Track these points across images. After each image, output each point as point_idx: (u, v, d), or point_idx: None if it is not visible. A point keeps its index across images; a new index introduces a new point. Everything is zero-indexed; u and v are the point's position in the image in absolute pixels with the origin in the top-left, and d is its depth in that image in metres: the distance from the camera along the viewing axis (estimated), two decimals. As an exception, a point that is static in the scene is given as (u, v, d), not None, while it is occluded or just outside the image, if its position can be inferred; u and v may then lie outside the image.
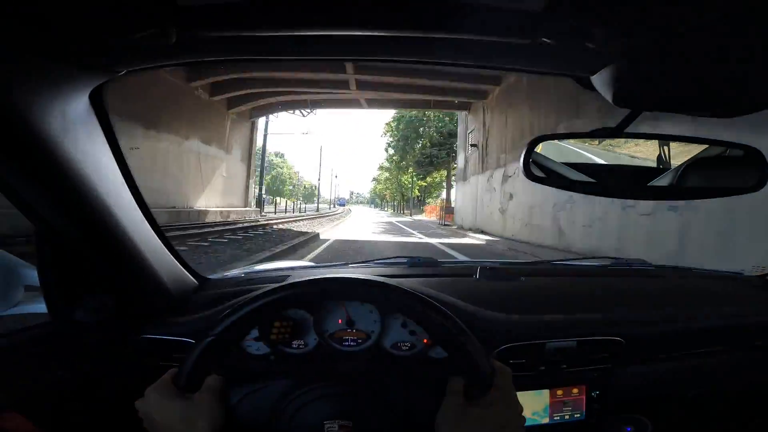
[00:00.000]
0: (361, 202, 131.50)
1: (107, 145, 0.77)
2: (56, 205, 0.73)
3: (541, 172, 0.84)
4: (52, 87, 0.61)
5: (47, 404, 0.79)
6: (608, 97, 0.71)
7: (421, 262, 1.49)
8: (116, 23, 0.49)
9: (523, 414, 0.69)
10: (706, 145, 0.88)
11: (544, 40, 0.53)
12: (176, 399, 0.68)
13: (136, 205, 0.88)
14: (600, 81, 0.69)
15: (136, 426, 0.72)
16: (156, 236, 0.97)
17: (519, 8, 0.46)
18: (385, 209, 74.87)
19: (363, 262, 1.53)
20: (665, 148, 0.89)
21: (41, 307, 0.88)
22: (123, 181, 0.83)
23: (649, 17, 0.49)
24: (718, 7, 0.45)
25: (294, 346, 1.04)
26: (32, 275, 0.93)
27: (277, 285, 0.76)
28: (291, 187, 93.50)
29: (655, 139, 0.91)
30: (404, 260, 1.57)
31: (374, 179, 73.93)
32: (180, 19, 0.49)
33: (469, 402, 0.67)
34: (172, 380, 0.70)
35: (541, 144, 0.85)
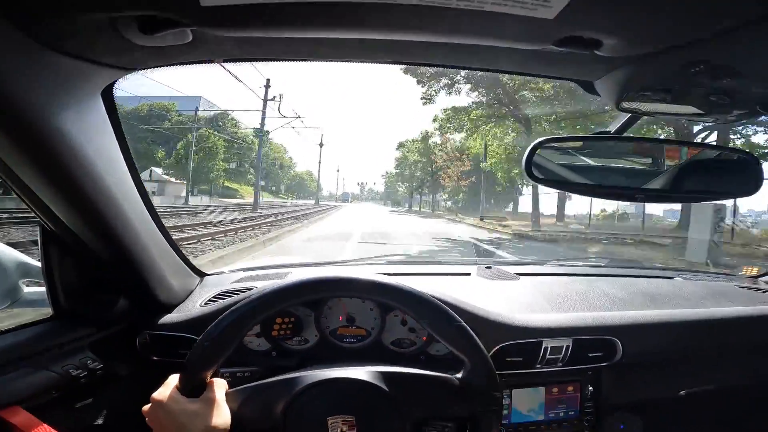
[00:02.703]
0: (373, 199, 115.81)
1: (117, 143, 0.77)
2: (68, 200, 0.73)
3: (542, 174, 0.86)
4: (67, 84, 0.61)
5: (52, 399, 0.79)
6: (611, 103, 0.73)
7: (421, 260, 1.51)
8: (137, 21, 0.50)
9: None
10: (703, 149, 0.91)
11: (553, 47, 0.55)
12: (182, 403, 0.69)
13: (142, 203, 0.88)
14: (604, 87, 0.71)
15: (142, 420, 0.72)
16: (160, 233, 0.97)
17: (531, 16, 0.47)
18: (412, 207, 50.50)
19: (363, 260, 1.54)
20: (664, 151, 0.91)
21: (45, 303, 0.88)
22: (131, 178, 0.83)
23: (655, 28, 0.51)
24: (719, 20, 0.47)
25: (295, 342, 1.05)
26: (36, 270, 0.93)
27: (285, 283, 0.76)
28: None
29: (653, 142, 0.93)
30: (402, 258, 1.58)
31: (398, 163, 48.98)
32: (200, 18, 0.50)
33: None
34: (177, 385, 0.71)
35: (545, 146, 0.87)
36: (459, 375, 0.76)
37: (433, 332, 0.72)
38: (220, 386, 0.72)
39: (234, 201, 32.00)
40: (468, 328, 0.71)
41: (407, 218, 24.91)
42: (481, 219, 21.04)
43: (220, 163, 39.68)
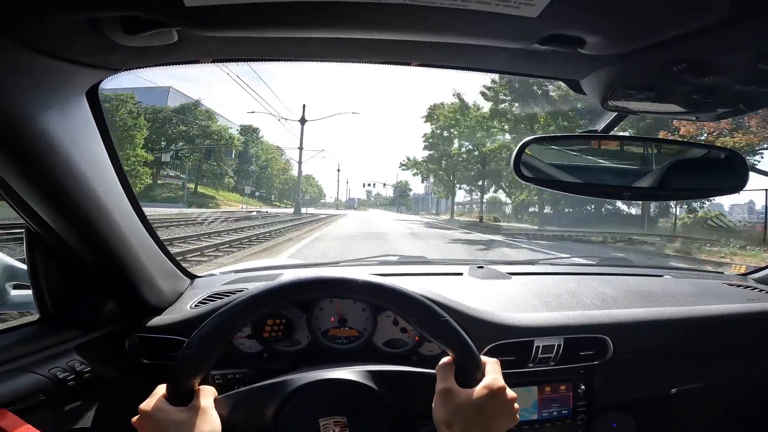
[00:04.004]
0: (382, 204, 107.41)
1: (102, 144, 0.77)
2: (53, 202, 0.72)
3: (530, 173, 0.87)
4: (51, 85, 0.60)
5: (40, 401, 0.78)
6: (597, 101, 0.74)
7: (412, 260, 1.51)
8: (120, 22, 0.49)
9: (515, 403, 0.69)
10: (690, 147, 0.92)
11: (537, 45, 0.55)
12: (170, 413, 0.67)
13: (130, 205, 0.87)
14: (589, 85, 0.72)
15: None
16: (149, 235, 0.96)
17: (515, 14, 0.48)
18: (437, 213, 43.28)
19: (354, 261, 1.54)
20: (651, 149, 0.92)
21: (32, 305, 0.87)
22: (117, 180, 0.82)
23: (636, 25, 0.51)
24: (697, 17, 0.48)
25: (287, 344, 1.05)
26: (23, 273, 0.92)
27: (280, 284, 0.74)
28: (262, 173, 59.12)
29: (641, 141, 0.94)
30: (395, 258, 1.58)
31: (426, 144, 32.33)
32: (185, 19, 0.49)
33: (462, 388, 0.67)
34: (164, 394, 0.69)
35: (533, 145, 0.87)
36: None
37: (421, 329, 0.72)
38: (207, 394, 0.71)
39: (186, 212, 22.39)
40: (453, 322, 0.70)
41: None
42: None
43: (140, 152, 28.84)
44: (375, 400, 0.72)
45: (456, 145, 30.34)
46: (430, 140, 32.18)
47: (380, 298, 0.72)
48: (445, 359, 0.71)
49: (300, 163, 38.73)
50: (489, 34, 0.55)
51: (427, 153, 33.50)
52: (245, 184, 56.12)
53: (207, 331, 0.69)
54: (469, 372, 0.69)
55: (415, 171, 37.23)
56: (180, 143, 38.63)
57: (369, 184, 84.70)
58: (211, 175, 43.40)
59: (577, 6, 0.47)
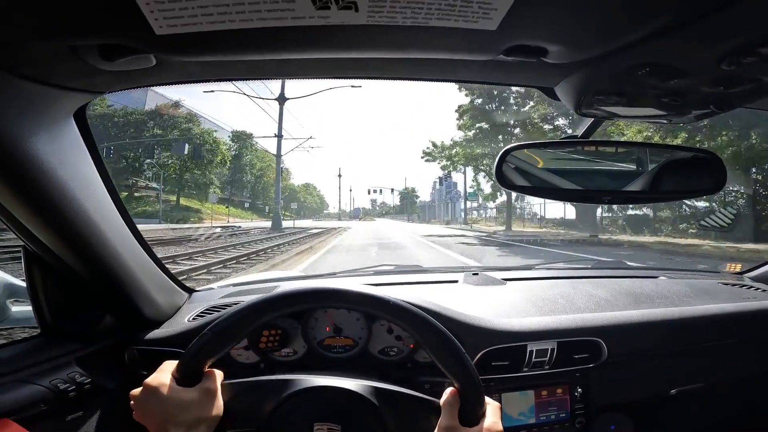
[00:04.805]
0: (388, 213, 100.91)
1: (92, 164, 0.79)
2: (47, 223, 0.74)
3: (513, 180, 0.88)
4: (37, 109, 0.63)
5: (42, 411, 0.81)
6: (571, 107, 0.75)
7: (407, 269, 1.52)
8: (98, 49, 0.52)
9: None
10: (668, 150, 0.93)
11: (502, 56, 0.58)
12: (177, 391, 0.68)
13: (123, 222, 0.90)
14: (562, 92, 0.74)
15: (132, 430, 0.73)
16: (144, 251, 0.99)
17: (474, 28, 0.50)
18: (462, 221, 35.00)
19: (350, 271, 1.55)
20: (630, 153, 0.93)
21: (32, 321, 0.90)
22: (109, 198, 0.84)
23: (592, 33, 0.53)
24: (651, 21, 0.50)
25: (283, 354, 1.06)
26: (23, 290, 0.95)
27: (294, 291, 0.76)
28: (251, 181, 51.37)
29: (621, 146, 0.95)
30: (391, 268, 1.60)
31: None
32: (158, 46, 0.52)
33: (464, 426, 0.68)
34: (173, 373, 0.70)
35: (514, 153, 0.89)
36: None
37: (435, 358, 0.72)
38: (216, 377, 0.72)
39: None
40: (468, 358, 0.70)
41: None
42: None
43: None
44: (373, 415, 0.72)
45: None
46: (470, 111, 23.00)
47: (404, 321, 0.73)
48: (449, 393, 0.71)
49: (279, 156, 28.17)
50: (454, 48, 0.57)
51: (461, 135, 24.20)
52: (237, 195, 51.64)
53: (233, 316, 0.72)
54: (473, 410, 0.70)
55: (445, 161, 26.75)
56: (157, 150, 34.47)
57: (374, 190, 77.33)
58: (194, 185, 38.01)
59: (534, 17, 0.49)
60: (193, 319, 1.09)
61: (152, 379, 0.69)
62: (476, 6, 0.45)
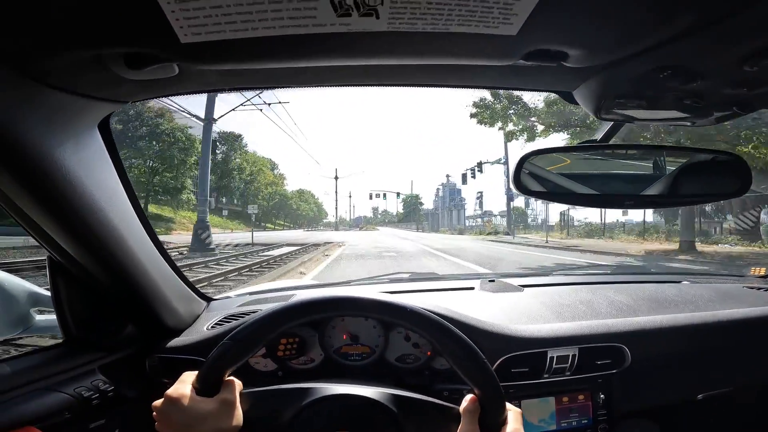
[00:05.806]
0: (390, 222, 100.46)
1: (116, 174, 0.80)
2: (72, 233, 0.75)
3: (531, 186, 0.88)
4: (64, 119, 0.64)
5: (66, 419, 0.82)
6: (590, 111, 0.75)
7: (423, 277, 1.51)
8: (124, 58, 0.53)
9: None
10: (691, 153, 0.92)
11: (522, 61, 0.57)
12: (197, 402, 0.68)
13: (145, 232, 0.91)
14: (581, 96, 0.73)
15: None
16: (164, 261, 1.00)
17: (495, 33, 0.50)
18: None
19: (365, 279, 1.55)
20: (652, 157, 0.92)
21: (56, 329, 0.92)
22: (132, 208, 0.86)
23: (615, 36, 0.53)
24: (673, 24, 0.49)
25: (301, 362, 1.06)
26: (47, 299, 0.97)
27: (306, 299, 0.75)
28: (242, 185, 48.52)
29: (641, 149, 0.94)
30: (406, 275, 1.59)
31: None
32: (182, 55, 0.52)
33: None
34: (193, 383, 0.70)
35: (532, 158, 0.88)
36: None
37: (456, 366, 0.70)
38: (235, 387, 0.72)
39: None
40: (490, 366, 0.69)
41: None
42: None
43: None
44: (392, 423, 0.72)
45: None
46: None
47: (422, 328, 0.72)
48: (469, 400, 0.71)
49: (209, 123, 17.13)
50: (473, 53, 0.57)
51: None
52: (218, 202, 46.25)
53: (254, 324, 0.71)
54: (495, 417, 0.69)
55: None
56: (123, 151, 26.64)
57: (377, 195, 71.86)
58: (163, 190, 33.03)
59: (554, 22, 0.49)
60: (212, 327, 1.09)
61: (173, 391, 0.70)
62: (497, 11, 0.45)
